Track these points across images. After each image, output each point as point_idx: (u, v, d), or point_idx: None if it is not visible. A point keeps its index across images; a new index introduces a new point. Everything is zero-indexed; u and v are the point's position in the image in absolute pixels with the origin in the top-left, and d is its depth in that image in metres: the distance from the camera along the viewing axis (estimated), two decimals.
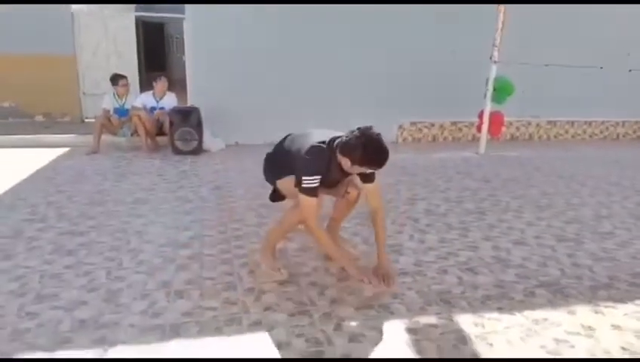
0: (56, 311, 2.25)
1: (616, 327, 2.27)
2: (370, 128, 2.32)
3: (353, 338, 2.12)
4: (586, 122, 8.05)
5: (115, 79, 6.13)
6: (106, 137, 6.08)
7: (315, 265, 2.84)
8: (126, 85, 6.16)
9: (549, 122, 7.89)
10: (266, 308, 2.34)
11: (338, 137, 2.42)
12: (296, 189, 2.45)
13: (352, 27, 6.65)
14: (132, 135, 6.21)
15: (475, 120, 6.75)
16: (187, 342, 2.06)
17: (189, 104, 6.47)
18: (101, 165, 5.23)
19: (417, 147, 7.01)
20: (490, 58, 6.15)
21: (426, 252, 3.11)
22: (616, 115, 8.10)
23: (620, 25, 7.35)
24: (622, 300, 2.53)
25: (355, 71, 6.76)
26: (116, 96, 6.20)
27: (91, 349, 1.99)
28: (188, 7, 6.38)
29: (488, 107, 6.34)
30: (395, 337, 2.14)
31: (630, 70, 6.91)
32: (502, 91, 6.24)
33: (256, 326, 2.19)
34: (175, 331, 2.13)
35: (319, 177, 2.40)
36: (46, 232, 3.23)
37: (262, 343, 2.07)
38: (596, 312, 2.41)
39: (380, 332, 2.18)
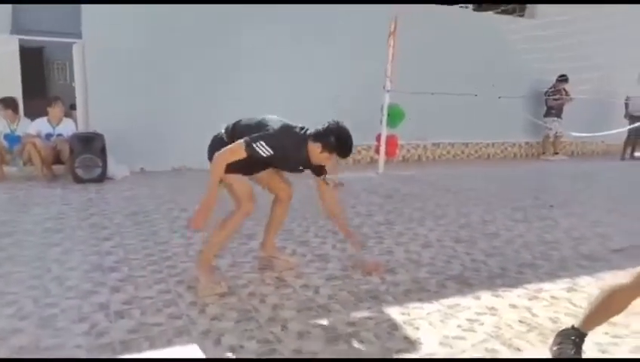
0: None
1: (512, 306, 2.73)
2: (340, 122, 2.65)
3: (300, 335, 2.31)
4: (463, 143, 9.11)
5: (2, 102, 5.71)
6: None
7: (250, 277, 2.98)
8: (15, 110, 5.77)
9: (434, 144, 8.81)
10: (213, 318, 2.44)
11: (303, 127, 2.71)
12: (241, 187, 2.66)
13: (251, 53, 6.92)
14: (25, 164, 5.79)
15: (373, 143, 7.34)
16: (140, 355, 2.10)
17: (89, 130, 6.21)
18: None
19: None
20: (384, 87, 6.80)
21: (349, 258, 3.40)
22: (486, 138, 9.29)
23: (488, 61, 8.52)
24: (513, 285, 3.03)
25: (255, 95, 6.96)
26: (8, 121, 5.78)
27: None
28: (85, 28, 6.19)
29: (384, 131, 6.96)
30: (336, 330, 2.37)
31: (500, 97, 7.97)
32: (395, 117, 6.91)
33: (205, 334, 2.28)
34: (125, 347, 2.15)
35: (272, 153, 2.55)
36: None
37: (215, 349, 2.17)
38: (496, 296, 2.86)
39: (323, 328, 2.40)
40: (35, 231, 3.75)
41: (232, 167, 2.64)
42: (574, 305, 2.76)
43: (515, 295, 2.89)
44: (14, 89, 7.72)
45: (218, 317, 2.46)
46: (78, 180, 5.63)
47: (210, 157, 2.74)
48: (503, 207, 5.18)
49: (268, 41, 6.96)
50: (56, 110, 5.87)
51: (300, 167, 2.84)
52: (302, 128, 2.72)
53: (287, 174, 3.03)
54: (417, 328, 2.43)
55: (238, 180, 2.72)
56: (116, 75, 6.27)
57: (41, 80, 15.48)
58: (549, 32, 7.83)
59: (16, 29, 9.36)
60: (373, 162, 7.69)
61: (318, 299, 2.72)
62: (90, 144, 5.70)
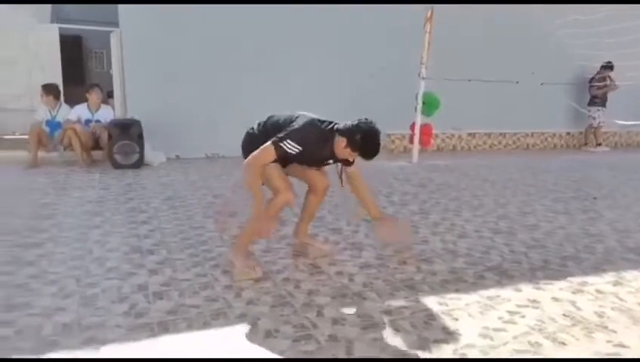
0: (33, 318, 2.20)
1: (555, 299, 2.63)
2: (372, 121, 2.59)
3: (336, 321, 2.29)
4: (501, 133, 8.87)
5: (46, 89, 5.89)
6: (41, 153, 5.79)
7: (284, 263, 2.98)
8: (56, 96, 5.92)
9: (470, 134, 8.61)
10: (249, 302, 2.44)
11: (331, 122, 2.68)
12: (276, 177, 2.64)
13: (293, 41, 6.89)
14: (65, 149, 5.95)
15: (407, 132, 7.23)
16: (178, 336, 2.12)
17: (128, 116, 6.34)
18: (35, 181, 4.98)
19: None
20: (419, 75, 6.66)
21: (383, 247, 3.35)
22: (525, 128, 9.01)
23: (529, 47, 8.24)
24: (556, 278, 2.92)
25: (293, 81, 6.95)
26: (49, 108, 5.95)
27: (81, 350, 1.98)
28: (122, 17, 6.28)
29: (419, 120, 6.83)
30: (372, 319, 2.33)
31: (542, 83, 7.67)
32: (430, 106, 6.77)
33: (242, 318, 2.29)
34: (164, 328, 2.17)
35: (299, 150, 2.54)
36: None
37: (251, 333, 2.17)
38: (537, 289, 2.76)
39: (358, 315, 2.37)
40: (76, 214, 3.85)
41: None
42: (621, 300, 2.64)
43: (558, 288, 2.78)
44: (55, 76, 7.99)
45: (254, 301, 2.46)
46: (117, 166, 5.76)
47: (245, 154, 2.76)
48: (542, 198, 5.01)
49: (300, 29, 6.91)
50: (93, 97, 6.00)
51: (329, 161, 2.83)
52: (330, 123, 2.70)
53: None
54: (456, 319, 2.36)
55: (274, 172, 2.68)
56: (152, 64, 6.36)
57: (80, 68, 15.91)
58: (595, 17, 7.48)
59: (56, 17, 9.61)
60: (407, 151, 7.58)
61: (352, 286, 2.69)
62: (127, 130, 5.82)
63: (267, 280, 2.71)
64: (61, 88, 8.04)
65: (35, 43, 7.87)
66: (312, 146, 2.62)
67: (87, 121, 6.01)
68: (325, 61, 7.14)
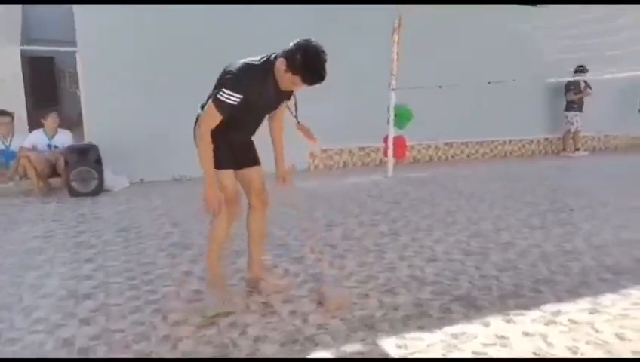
0: None
1: (525, 334, 2.41)
2: (316, 41, 2.26)
3: None
4: (477, 142, 8.72)
5: None
6: None
7: (234, 303, 2.72)
8: (8, 123, 5.65)
9: (446, 144, 8.45)
10: (184, 355, 2.18)
11: (274, 53, 2.36)
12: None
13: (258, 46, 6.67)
14: (21, 179, 5.65)
15: (381, 145, 7.04)
16: None
17: (85, 141, 6.05)
18: None
19: (330, 174, 7.13)
20: (389, 86, 6.49)
21: (347, 277, 3.11)
22: (502, 135, 8.87)
23: (499, 53, 8.12)
24: (527, 307, 2.71)
25: None
26: (1, 137, 5.66)
27: None
28: (79, 37, 6.03)
29: (392, 132, 6.65)
30: None
31: (514, 80, 7.46)
32: (402, 118, 6.58)
33: None
34: None
35: (240, 98, 2.26)
36: None
37: None
38: (507, 321, 2.54)
39: None
40: (18, 252, 3.57)
41: (219, 155, 2.42)
42: (597, 331, 2.43)
43: (530, 319, 2.56)
44: (18, 100, 7.68)
45: (190, 353, 2.20)
46: (74, 193, 5.46)
47: (194, 139, 2.50)
48: (518, 211, 4.82)
49: (263, 40, 6.69)
50: (49, 121, 5.73)
51: (282, 99, 2.53)
52: (266, 56, 2.36)
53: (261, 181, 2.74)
54: None
55: (223, 178, 2.49)
56: (113, 85, 6.08)
57: (52, 88, 15.55)
58: (564, 21, 7.41)
59: (26, 39, 9.27)
60: (382, 164, 7.37)
61: (306, 329, 2.45)
62: (85, 156, 5.54)
63: (212, 326, 2.46)
64: (24, 112, 7.79)
65: None
66: (252, 88, 2.29)
67: (49, 146, 5.72)
68: None
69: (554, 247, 3.72)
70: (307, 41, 2.25)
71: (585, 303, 2.76)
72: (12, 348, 2.24)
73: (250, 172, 2.66)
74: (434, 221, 4.45)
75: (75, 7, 5.99)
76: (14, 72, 7.75)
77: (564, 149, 9.26)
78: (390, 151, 6.72)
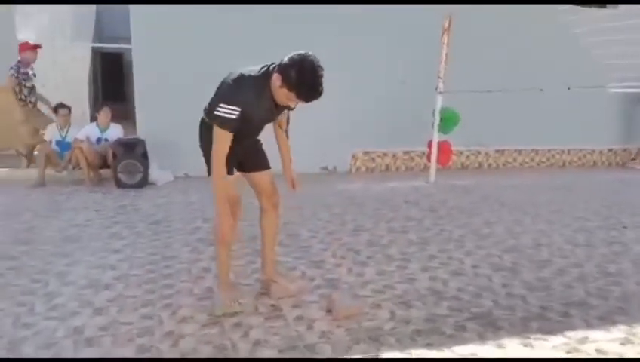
0: None
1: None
2: (313, 55, 2.17)
3: None
4: (532, 150, 8.27)
5: (56, 109, 5.95)
6: (50, 171, 5.83)
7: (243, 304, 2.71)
8: (66, 115, 5.96)
9: (497, 151, 8.08)
10: (183, 354, 2.20)
11: (274, 63, 2.27)
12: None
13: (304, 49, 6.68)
14: (74, 168, 5.97)
15: (426, 149, 6.83)
16: None
17: (137, 136, 6.30)
18: (36, 200, 4.98)
19: (370, 177, 7.02)
20: (436, 89, 6.28)
21: (363, 286, 3.03)
22: (560, 144, 8.37)
23: (557, 58, 7.66)
24: (552, 332, 2.51)
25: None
26: (58, 127, 6.01)
27: None
28: (134, 36, 6.29)
29: (436, 137, 6.43)
30: None
31: (568, 88, 7.01)
32: (448, 121, 6.36)
33: None
34: None
35: (238, 111, 2.19)
36: None
37: None
38: (525, 345, 2.37)
39: None
40: (54, 240, 3.75)
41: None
42: None
43: (551, 345, 2.37)
44: (82, 93, 8.15)
45: (189, 352, 2.21)
46: (120, 185, 5.70)
47: (200, 145, 2.54)
48: (565, 226, 4.51)
49: (312, 42, 6.67)
50: (102, 116, 6.00)
51: (279, 112, 2.46)
52: (269, 65, 2.28)
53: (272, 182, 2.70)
54: None
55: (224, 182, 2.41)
56: (164, 83, 6.29)
57: (121, 84, 16.42)
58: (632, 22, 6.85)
59: (98, 36, 9.79)
60: (426, 170, 7.15)
61: (308, 336, 2.39)
62: (132, 149, 5.77)
63: (215, 325, 2.46)
64: (86, 105, 8.26)
65: (64, 60, 8.07)
66: (247, 101, 2.21)
67: (98, 140, 6.02)
68: (340, 76, 6.86)
69: (595, 268, 3.44)
70: (303, 55, 2.15)
71: (618, 332, 2.52)
72: (24, 333, 2.34)
73: (260, 175, 2.64)
74: (468, 232, 4.24)
75: (132, 6, 6.25)
76: (83, 68, 8.25)
77: (633, 159, 8.61)
78: (434, 157, 6.51)
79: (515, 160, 8.25)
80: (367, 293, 2.91)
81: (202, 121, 2.53)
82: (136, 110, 6.47)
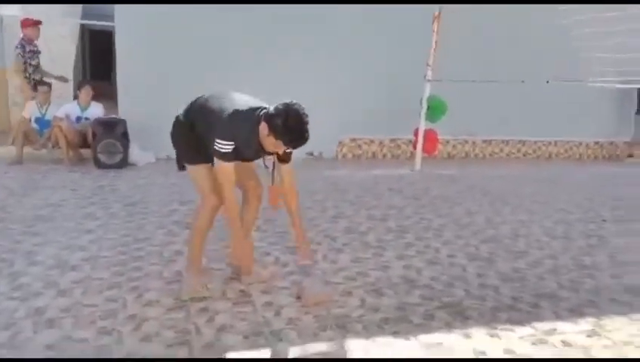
0: None
1: (508, 352, 2.22)
2: (297, 104, 2.23)
3: None
4: (520, 141, 8.27)
5: (34, 85, 5.82)
6: (28, 149, 5.73)
7: (211, 289, 2.67)
8: (46, 93, 5.84)
9: (485, 141, 8.06)
10: (143, 338, 2.16)
11: (264, 108, 2.33)
12: (202, 179, 2.48)
13: (294, 42, 6.57)
14: (53, 147, 5.86)
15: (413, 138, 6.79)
16: None
17: (120, 116, 6.19)
18: (12, 178, 4.90)
19: (356, 163, 6.98)
20: (425, 77, 6.22)
21: (336, 273, 3.00)
22: (548, 135, 8.36)
23: (547, 49, 7.60)
24: (520, 322, 2.50)
25: (294, 84, 6.64)
26: (38, 104, 5.88)
27: None
28: (117, 16, 6.15)
29: (423, 125, 6.39)
30: None
31: (547, 81, 6.93)
32: (435, 110, 6.31)
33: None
34: None
35: (232, 144, 2.29)
36: None
37: None
38: (492, 336, 2.35)
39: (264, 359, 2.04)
40: (26, 218, 3.68)
41: (198, 158, 2.49)
42: (590, 356, 2.20)
43: (518, 336, 2.36)
44: (67, 69, 7.96)
45: (150, 337, 2.17)
46: (100, 165, 5.61)
47: (173, 144, 2.63)
48: (545, 217, 4.51)
49: (300, 28, 6.59)
50: (83, 94, 5.88)
51: (262, 153, 2.45)
52: (259, 109, 2.34)
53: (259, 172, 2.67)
54: None
55: (200, 171, 2.50)
56: (145, 63, 6.18)
57: (109, 63, 16.10)
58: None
59: (87, 13, 9.54)
60: (413, 158, 7.12)
61: (275, 322, 2.36)
62: (112, 129, 5.67)
63: (181, 309, 2.43)
64: (70, 83, 8.10)
65: (52, 36, 7.86)
66: (241, 138, 2.31)
67: (78, 118, 5.90)
68: (327, 61, 6.78)
69: (571, 260, 3.44)
70: (288, 104, 2.21)
71: (586, 324, 2.52)
72: None
73: (244, 166, 2.58)
74: (448, 221, 4.23)
75: None
76: (71, 45, 8.06)
77: (630, 155, 8.66)
78: (419, 145, 6.47)
79: (501, 150, 8.24)
80: (339, 280, 2.89)
81: (177, 119, 2.59)
82: (118, 90, 6.35)
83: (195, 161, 2.52)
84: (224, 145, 2.29)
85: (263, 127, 2.24)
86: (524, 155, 8.38)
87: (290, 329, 2.30)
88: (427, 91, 6.28)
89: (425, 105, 6.31)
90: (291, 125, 2.18)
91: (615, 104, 8.61)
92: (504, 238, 3.85)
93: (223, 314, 2.40)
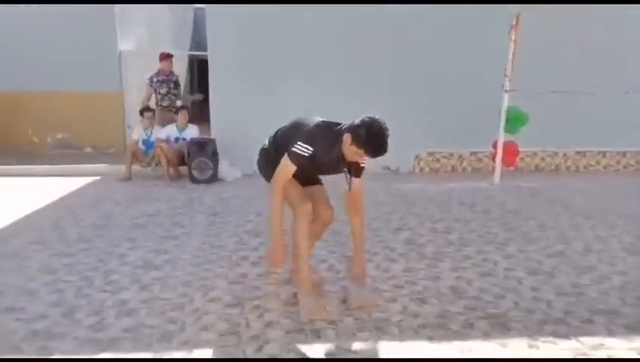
0: (15, 323, 2.52)
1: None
2: (379, 117, 2.46)
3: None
4: (618, 152, 7.65)
5: (141, 112, 6.65)
6: (136, 167, 6.57)
7: (266, 289, 2.95)
8: (150, 118, 6.64)
9: (578, 152, 7.58)
10: (202, 328, 2.49)
11: (345, 124, 2.57)
12: (290, 191, 2.64)
13: (369, 55, 6.82)
14: (157, 165, 6.64)
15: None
16: (117, 355, 2.25)
17: (212, 136, 6.86)
18: (119, 192, 5.65)
19: (433, 177, 6.97)
20: (502, 87, 6.10)
21: (385, 281, 3.14)
22: None
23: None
24: (566, 336, 2.45)
25: (371, 99, 6.84)
26: (144, 128, 6.71)
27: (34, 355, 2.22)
28: (210, 43, 6.84)
29: (502, 137, 6.24)
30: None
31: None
32: (515, 121, 6.14)
33: (186, 344, 2.34)
34: (113, 344, 2.32)
35: (311, 150, 2.51)
36: (41, 253, 3.57)
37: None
38: (530, 347, 2.35)
39: (298, 355, 2.26)
40: (125, 226, 4.28)
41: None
42: None
43: (559, 348, 2.33)
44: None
45: (208, 327, 2.50)
46: (194, 180, 6.26)
47: (261, 171, 2.92)
48: (627, 232, 4.22)
49: (382, 43, 6.81)
50: (180, 118, 6.60)
51: (343, 167, 2.69)
52: (341, 125, 2.60)
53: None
54: None
55: (288, 185, 2.66)
56: (237, 87, 6.79)
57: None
58: None
59: (194, 45, 10.55)
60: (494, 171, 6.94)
61: (318, 322, 2.57)
62: (203, 148, 6.30)
63: (237, 306, 2.73)
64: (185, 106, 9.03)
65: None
66: (321, 146, 2.54)
67: (177, 139, 6.64)
68: (399, 74, 6.91)
69: None
70: (371, 118, 2.44)
71: None
72: (81, 302, 2.77)
73: (313, 189, 2.84)
74: (516, 235, 4.14)
75: (208, 14, 6.79)
76: (180, 73, 9.02)
77: None
78: (499, 157, 6.32)
79: (597, 162, 7.69)
80: (386, 288, 3.02)
81: (263, 151, 2.88)
82: (211, 111, 7.02)
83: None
84: (302, 148, 2.51)
85: (347, 137, 2.48)
86: (623, 167, 7.74)
87: (330, 329, 2.50)
88: (505, 102, 6.13)
89: (503, 117, 6.16)
90: (373, 135, 2.40)
91: None
92: (573, 253, 3.70)
93: (273, 312, 2.67)
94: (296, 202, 2.67)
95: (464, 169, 7.42)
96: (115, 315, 2.62)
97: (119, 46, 8.45)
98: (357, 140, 2.43)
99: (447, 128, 6.97)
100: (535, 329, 2.53)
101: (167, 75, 6.98)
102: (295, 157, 2.53)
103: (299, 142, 2.52)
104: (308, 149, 2.51)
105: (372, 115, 2.46)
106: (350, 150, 2.49)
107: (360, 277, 2.90)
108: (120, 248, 3.70)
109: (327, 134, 2.56)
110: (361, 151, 2.46)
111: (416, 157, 7.31)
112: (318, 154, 2.54)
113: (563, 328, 2.54)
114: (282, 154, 2.59)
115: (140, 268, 3.29)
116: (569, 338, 2.43)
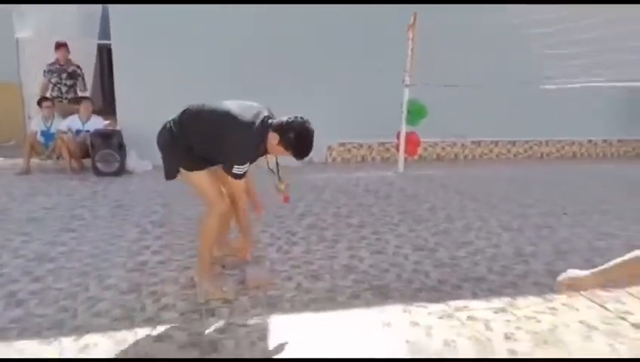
0: None
1: (414, 324, 2.49)
2: (307, 120, 2.51)
3: (159, 338, 2.31)
4: (509, 142, 8.43)
5: (39, 102, 6.33)
6: (36, 160, 6.23)
7: (185, 272, 3.02)
8: (50, 107, 6.34)
9: (474, 142, 8.26)
10: (95, 315, 2.51)
11: (265, 115, 2.58)
12: (207, 185, 2.71)
13: (281, 47, 6.96)
14: (58, 158, 6.35)
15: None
16: (6, 344, 2.23)
17: (118, 126, 6.67)
18: (17, 186, 5.36)
19: (344, 167, 7.28)
20: (403, 82, 6.50)
21: (284, 262, 3.31)
22: (538, 135, 8.50)
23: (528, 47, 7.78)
24: (436, 300, 2.76)
25: (284, 89, 6.97)
26: (43, 119, 6.39)
27: None
28: (114, 33, 6.64)
29: (404, 128, 6.66)
30: (201, 336, 2.33)
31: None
32: (415, 114, 6.58)
33: (77, 330, 2.36)
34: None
35: (248, 164, 2.58)
36: None
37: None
38: (404, 311, 2.63)
39: (189, 333, 2.37)
40: (20, 220, 4.10)
41: (190, 164, 2.69)
42: (487, 329, 2.46)
43: (428, 311, 2.63)
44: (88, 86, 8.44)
45: (102, 313, 2.53)
46: (99, 173, 6.07)
47: (162, 152, 2.82)
48: (507, 212, 4.73)
49: (288, 36, 6.96)
50: (82, 108, 6.36)
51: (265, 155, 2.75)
52: (259, 113, 2.57)
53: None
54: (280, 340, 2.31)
55: (202, 178, 2.70)
56: (143, 78, 6.63)
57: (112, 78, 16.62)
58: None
59: (102, 33, 10.00)
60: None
61: (213, 302, 2.68)
62: (108, 140, 6.12)
63: (134, 293, 2.78)
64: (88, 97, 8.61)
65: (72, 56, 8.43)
66: (251, 154, 2.59)
67: (78, 131, 6.39)
68: (312, 65, 7.12)
69: (512, 249, 3.67)
70: (301, 122, 2.49)
71: (499, 303, 2.77)
72: None
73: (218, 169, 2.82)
74: (409, 217, 4.49)
75: (110, 5, 6.58)
76: (89, 64, 8.56)
77: None
78: (401, 148, 6.74)
79: (491, 151, 8.43)
80: (285, 268, 3.20)
81: (168, 129, 2.72)
82: (117, 102, 6.83)
83: (195, 167, 2.68)
84: (242, 168, 2.54)
85: (273, 137, 2.50)
86: (514, 156, 8.54)
87: (224, 308, 2.63)
88: (406, 96, 6.55)
89: (405, 110, 6.58)
90: (302, 140, 2.48)
91: (608, 102, 8.67)
92: (455, 231, 4.10)
93: (169, 296, 2.74)
94: (213, 199, 2.71)
95: (373, 159, 7.82)
96: (3, 307, 2.56)
97: (16, 33, 7.90)
98: (285, 142, 2.48)
99: (357, 120, 7.29)
100: (411, 296, 2.82)
101: (62, 65, 6.68)
102: (239, 177, 2.58)
103: (236, 166, 2.52)
104: (245, 165, 2.55)
105: (300, 117, 2.50)
106: (276, 149, 2.54)
107: (248, 249, 3.02)
108: (13, 242, 3.57)
109: (253, 141, 2.53)
110: (287, 152, 2.53)
111: (329, 148, 7.58)
112: (251, 161, 2.62)
113: (435, 294, 2.86)
114: (196, 144, 2.62)
115: (33, 261, 3.21)
116: (438, 303, 2.74)
